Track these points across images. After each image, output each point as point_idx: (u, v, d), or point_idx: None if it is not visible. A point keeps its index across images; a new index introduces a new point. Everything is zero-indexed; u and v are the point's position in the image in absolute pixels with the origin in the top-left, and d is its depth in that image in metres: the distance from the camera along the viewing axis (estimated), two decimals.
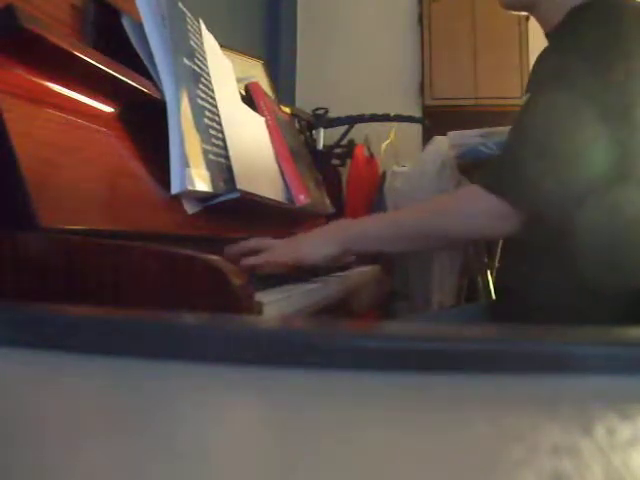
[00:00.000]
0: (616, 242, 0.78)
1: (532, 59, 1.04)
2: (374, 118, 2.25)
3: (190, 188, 0.78)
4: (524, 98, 0.94)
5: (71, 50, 0.64)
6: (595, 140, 0.76)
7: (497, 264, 1.51)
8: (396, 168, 2.22)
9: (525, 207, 0.78)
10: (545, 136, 0.79)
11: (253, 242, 0.84)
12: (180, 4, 0.92)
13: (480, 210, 0.81)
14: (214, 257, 0.56)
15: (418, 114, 2.93)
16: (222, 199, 0.86)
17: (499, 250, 1.33)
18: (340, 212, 2.04)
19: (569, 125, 0.77)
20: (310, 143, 2.19)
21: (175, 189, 0.78)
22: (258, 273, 0.82)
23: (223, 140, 0.93)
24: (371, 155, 2.50)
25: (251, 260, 0.80)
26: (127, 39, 0.83)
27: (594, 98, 0.76)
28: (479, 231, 0.83)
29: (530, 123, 0.82)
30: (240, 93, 1.16)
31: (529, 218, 0.79)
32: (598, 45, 0.78)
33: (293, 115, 1.89)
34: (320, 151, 2.24)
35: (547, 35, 0.93)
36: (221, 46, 1.11)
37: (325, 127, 2.28)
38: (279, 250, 0.84)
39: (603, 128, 0.75)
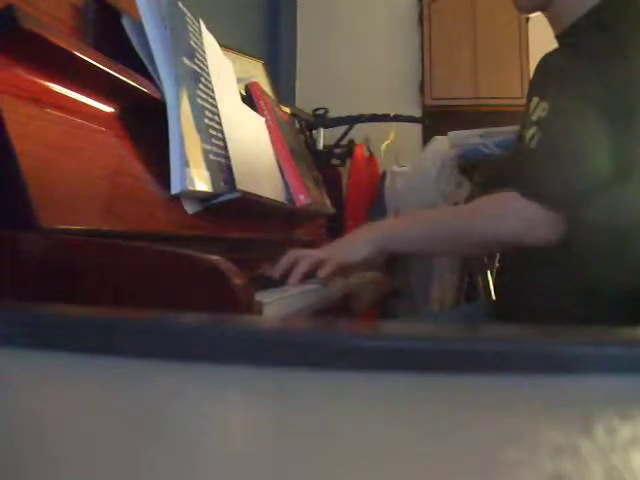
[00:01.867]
0: (618, 242, 0.78)
1: (532, 59, 1.04)
2: (374, 118, 2.25)
3: (190, 188, 0.78)
4: (534, 101, 0.93)
5: (71, 50, 0.64)
6: (624, 143, 0.76)
7: (497, 264, 1.50)
8: (396, 168, 2.22)
9: (568, 211, 0.78)
10: (578, 143, 0.79)
11: (291, 255, 0.86)
12: (180, 4, 0.92)
13: (522, 216, 0.80)
14: (214, 257, 0.56)
15: (418, 114, 2.93)
16: (222, 199, 0.86)
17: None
18: (340, 212, 2.04)
19: (599, 131, 0.76)
20: (310, 143, 2.19)
21: (175, 189, 0.78)
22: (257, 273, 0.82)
23: (223, 140, 0.93)
24: (371, 155, 2.50)
25: (295, 276, 0.82)
26: (127, 39, 0.83)
27: (620, 105, 0.76)
28: (519, 237, 0.82)
29: (560, 131, 0.81)
30: (240, 93, 1.16)
31: (572, 223, 0.78)
32: (619, 50, 0.77)
33: (293, 115, 1.89)
34: (320, 151, 2.24)
35: (558, 37, 0.92)
36: (221, 46, 1.11)
37: (325, 127, 2.28)
38: (319, 254, 0.86)
39: (631, 132, 0.75)
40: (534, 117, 0.91)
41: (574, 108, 0.79)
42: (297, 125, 2.01)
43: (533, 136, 0.90)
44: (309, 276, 0.85)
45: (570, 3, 0.87)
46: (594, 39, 0.80)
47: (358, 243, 0.88)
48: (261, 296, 0.63)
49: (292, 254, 0.86)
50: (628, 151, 0.76)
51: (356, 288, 1.06)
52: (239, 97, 1.13)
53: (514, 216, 0.81)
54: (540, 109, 0.89)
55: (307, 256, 0.85)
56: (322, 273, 0.85)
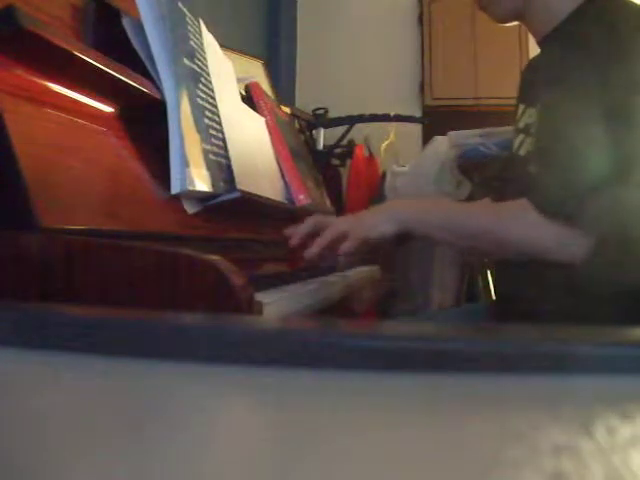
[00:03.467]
0: (621, 241, 0.78)
1: None
2: (374, 118, 2.25)
3: (190, 188, 0.78)
4: (520, 108, 0.93)
5: (71, 50, 0.64)
6: (626, 145, 0.75)
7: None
8: (396, 168, 2.22)
9: (592, 227, 0.76)
10: (581, 150, 0.77)
11: (313, 220, 0.84)
12: (180, 4, 0.92)
13: (544, 233, 0.78)
14: (214, 257, 0.56)
15: (418, 114, 2.93)
16: (222, 199, 0.86)
17: None
18: (340, 212, 2.04)
19: (594, 132, 0.75)
20: (310, 143, 2.19)
21: (175, 189, 0.78)
22: (259, 273, 0.82)
23: (223, 140, 0.93)
24: (371, 155, 2.50)
25: (314, 249, 0.80)
26: (127, 39, 0.83)
27: (615, 105, 0.75)
28: (550, 253, 0.80)
29: (569, 142, 0.79)
30: (240, 93, 1.16)
31: (596, 241, 0.77)
32: (605, 50, 0.77)
33: (293, 115, 1.89)
34: (320, 151, 2.24)
35: (540, 43, 0.92)
36: (221, 46, 1.11)
37: (325, 127, 2.28)
38: (341, 225, 0.84)
39: (626, 132, 0.75)
40: (521, 124, 0.91)
41: (566, 111, 0.78)
42: (297, 125, 2.01)
43: (521, 144, 0.90)
44: (330, 249, 0.83)
45: (548, 10, 0.86)
46: (583, 40, 0.80)
47: (383, 219, 0.85)
48: (261, 296, 0.63)
49: (314, 220, 0.85)
50: (620, 151, 0.75)
51: (356, 288, 1.06)
52: (239, 97, 1.13)
53: (551, 234, 0.79)
54: (527, 116, 0.89)
55: (330, 226, 0.83)
56: (344, 248, 0.83)
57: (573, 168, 0.77)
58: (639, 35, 0.78)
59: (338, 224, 0.84)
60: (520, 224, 0.82)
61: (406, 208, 0.89)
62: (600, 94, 0.75)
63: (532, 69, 0.97)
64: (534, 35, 0.92)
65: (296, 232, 0.85)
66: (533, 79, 0.94)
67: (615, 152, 0.75)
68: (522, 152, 0.90)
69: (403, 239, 0.88)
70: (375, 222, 0.86)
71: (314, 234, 0.84)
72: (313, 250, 0.80)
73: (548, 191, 0.79)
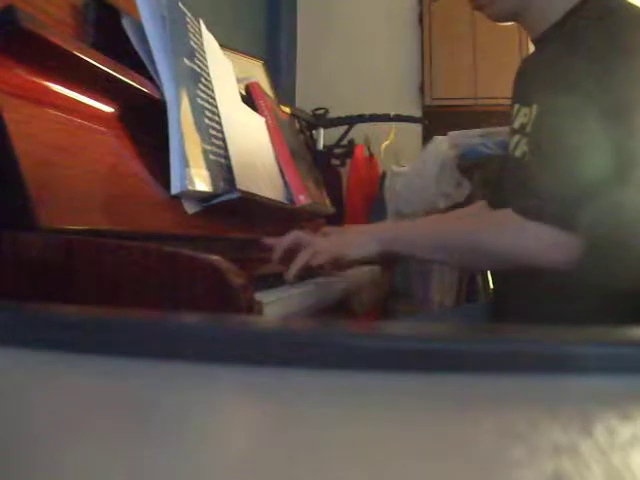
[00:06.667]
0: (616, 242, 0.78)
1: None
2: (374, 118, 2.25)
3: (190, 188, 0.78)
4: (515, 108, 0.93)
5: (71, 50, 0.64)
6: (622, 146, 0.75)
7: None
8: (396, 168, 2.22)
9: (586, 230, 0.75)
10: (574, 151, 0.76)
11: (292, 237, 0.84)
12: (180, 4, 0.92)
13: (541, 238, 0.78)
14: (214, 257, 0.56)
15: (418, 114, 2.92)
16: (222, 199, 0.86)
17: None
18: (340, 212, 2.04)
19: (599, 137, 0.75)
20: (310, 143, 2.19)
21: (175, 189, 0.78)
22: (260, 272, 0.82)
23: (223, 140, 0.93)
24: (371, 155, 2.50)
25: (297, 261, 0.80)
26: (127, 39, 0.83)
27: (612, 104, 0.75)
28: (535, 259, 0.79)
29: (562, 143, 0.79)
30: (240, 93, 1.16)
31: (589, 243, 0.76)
32: (601, 49, 0.77)
33: (293, 115, 1.89)
34: (320, 151, 2.24)
35: (535, 41, 0.92)
36: (221, 46, 1.11)
37: (325, 127, 2.28)
38: (321, 245, 0.84)
39: (624, 131, 0.75)
40: (516, 124, 0.91)
41: (562, 109, 0.78)
42: (297, 125, 2.01)
43: (517, 144, 0.90)
44: (308, 269, 0.83)
45: (545, 9, 0.86)
46: (580, 38, 0.80)
47: (369, 239, 0.86)
48: (261, 296, 0.63)
49: (294, 236, 0.84)
50: (618, 151, 0.75)
51: (356, 288, 1.06)
52: (239, 97, 1.13)
53: (534, 238, 0.78)
54: (521, 115, 0.89)
55: (308, 245, 0.83)
56: (314, 262, 0.82)
57: (570, 171, 0.77)
58: (635, 34, 0.78)
59: (316, 243, 0.84)
60: (504, 232, 0.81)
61: (389, 229, 0.91)
62: (596, 93, 0.75)
63: (526, 68, 0.97)
64: (529, 33, 0.92)
65: (276, 248, 0.84)
66: (527, 78, 0.94)
67: (613, 152, 0.75)
68: (518, 153, 0.89)
69: (389, 261, 0.88)
70: (358, 243, 0.86)
71: (294, 249, 0.83)
72: (291, 273, 0.80)
73: (537, 196, 0.78)
